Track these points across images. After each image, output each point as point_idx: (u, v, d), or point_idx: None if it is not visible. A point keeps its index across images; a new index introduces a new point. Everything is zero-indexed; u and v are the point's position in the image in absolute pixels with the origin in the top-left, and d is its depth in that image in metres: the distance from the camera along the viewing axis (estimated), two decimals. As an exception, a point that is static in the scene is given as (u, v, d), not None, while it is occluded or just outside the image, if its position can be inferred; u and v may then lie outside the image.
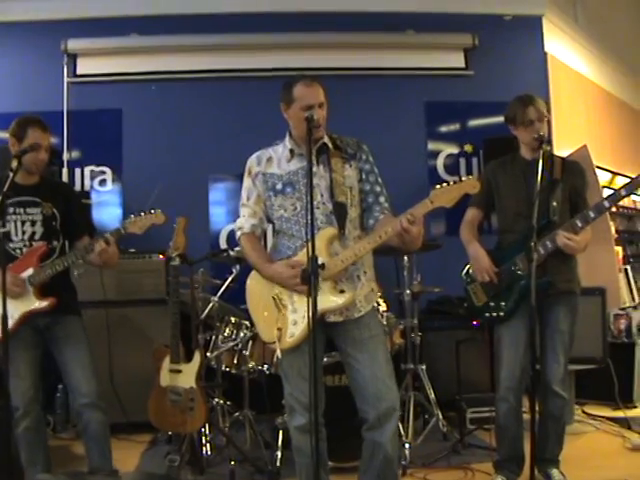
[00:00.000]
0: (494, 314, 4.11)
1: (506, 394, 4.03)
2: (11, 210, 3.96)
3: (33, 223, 4.03)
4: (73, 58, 6.83)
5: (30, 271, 3.94)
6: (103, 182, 6.78)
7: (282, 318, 3.35)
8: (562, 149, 6.56)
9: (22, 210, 4.01)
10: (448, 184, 3.19)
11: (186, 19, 6.83)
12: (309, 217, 2.99)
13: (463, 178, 3.22)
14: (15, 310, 3.86)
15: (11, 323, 3.78)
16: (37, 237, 4.04)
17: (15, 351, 3.82)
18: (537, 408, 3.76)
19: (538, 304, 3.58)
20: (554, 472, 4.08)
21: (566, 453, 4.18)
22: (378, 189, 3.48)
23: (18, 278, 3.88)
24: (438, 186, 3.19)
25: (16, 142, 3.97)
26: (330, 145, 3.45)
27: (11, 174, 3.49)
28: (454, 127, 7.14)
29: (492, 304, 4.12)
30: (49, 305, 3.93)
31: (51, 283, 3.97)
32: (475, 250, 4.19)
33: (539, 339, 3.99)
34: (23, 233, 4.01)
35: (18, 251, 3.99)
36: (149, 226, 3.97)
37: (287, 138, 3.52)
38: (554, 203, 3.88)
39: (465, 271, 4.30)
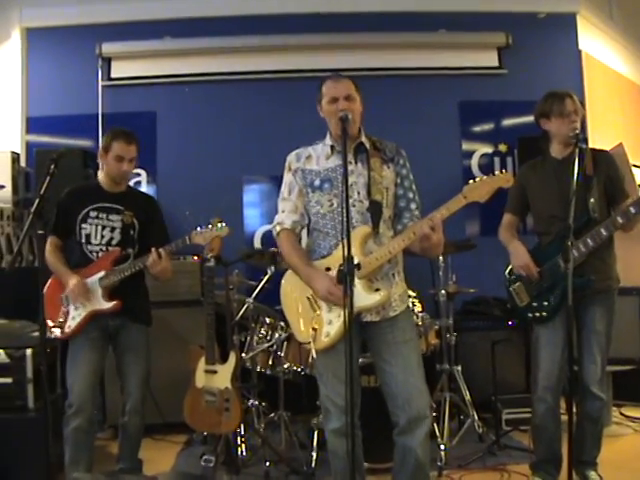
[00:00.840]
0: (537, 314, 4.06)
1: (544, 394, 4.00)
2: (94, 214, 4.24)
3: (112, 229, 4.24)
4: (107, 62, 6.90)
5: (102, 274, 4.16)
6: (138, 184, 6.79)
7: (317, 318, 3.35)
8: (598, 147, 6.48)
9: (104, 216, 4.25)
10: (481, 179, 3.19)
11: (219, 21, 6.85)
12: (344, 216, 2.96)
13: (496, 172, 3.22)
14: (83, 309, 4.16)
15: (79, 320, 4.14)
16: (114, 243, 4.25)
17: (81, 349, 4.16)
18: (575, 409, 3.72)
19: (575, 304, 3.53)
20: (592, 474, 4.04)
21: (603, 455, 4.12)
22: (411, 195, 3.48)
23: (82, 284, 4.14)
24: (471, 181, 3.19)
25: (104, 154, 4.25)
26: (368, 146, 3.45)
27: (48, 177, 3.55)
28: (488, 126, 7.08)
29: (535, 304, 4.07)
30: (113, 307, 4.16)
31: (122, 288, 4.18)
32: (515, 247, 4.17)
33: (576, 340, 3.96)
34: (102, 237, 4.24)
35: (95, 254, 4.24)
36: (213, 238, 4.10)
37: (327, 136, 3.53)
38: (592, 200, 3.83)
39: (507, 272, 4.26)
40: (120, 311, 4.18)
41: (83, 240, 4.23)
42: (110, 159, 4.22)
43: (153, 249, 4.07)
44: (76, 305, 4.16)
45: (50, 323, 4.18)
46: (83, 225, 4.22)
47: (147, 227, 4.34)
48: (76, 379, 4.09)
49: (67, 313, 4.19)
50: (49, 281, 4.31)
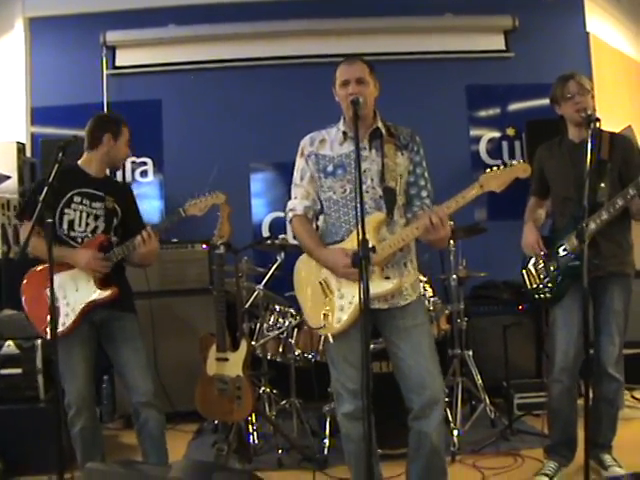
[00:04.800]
0: (541, 296, 4.09)
1: (560, 375, 3.97)
2: (78, 199, 4.00)
3: (97, 217, 4.03)
4: (112, 50, 6.87)
5: None
6: (144, 173, 6.82)
7: (329, 303, 3.34)
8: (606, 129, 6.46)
9: (88, 202, 4.02)
10: (498, 168, 3.16)
11: (223, 8, 6.82)
12: (358, 200, 2.91)
13: (514, 162, 3.20)
14: (77, 302, 3.88)
15: (73, 316, 3.85)
16: (99, 232, 4.04)
17: (72, 347, 3.87)
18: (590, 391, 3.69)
19: (590, 286, 3.49)
20: (606, 457, 4.04)
21: (616, 438, 4.11)
22: (422, 183, 3.44)
23: (97, 255, 3.90)
24: (488, 170, 3.17)
25: (112, 139, 4.11)
26: (384, 131, 3.41)
27: (56, 165, 3.46)
28: (496, 110, 7.04)
29: (541, 286, 4.07)
30: (111, 294, 3.92)
31: (110, 277, 3.97)
32: (526, 228, 4.19)
33: (593, 321, 3.94)
34: (87, 225, 4.01)
35: (79, 240, 3.99)
36: (210, 207, 4.01)
37: (341, 121, 3.49)
38: (602, 185, 3.80)
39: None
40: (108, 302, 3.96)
41: (65, 226, 3.96)
42: (121, 144, 4.15)
43: (144, 229, 3.91)
44: (67, 300, 3.85)
45: (34, 322, 3.94)
46: (66, 210, 3.96)
47: (126, 214, 4.18)
48: (73, 379, 3.88)
49: (57, 310, 3.72)
50: (26, 279, 4.03)
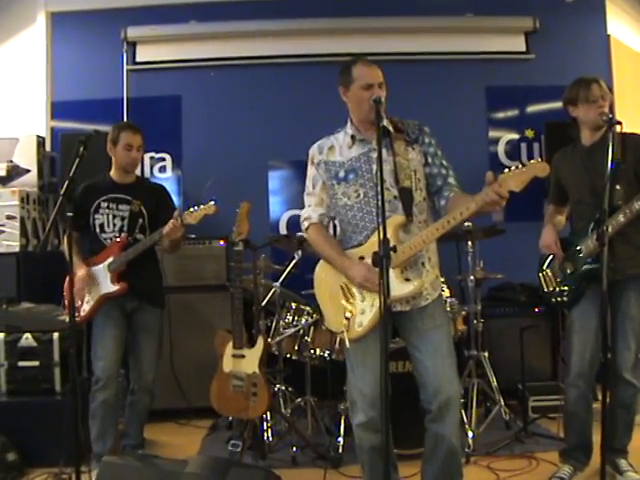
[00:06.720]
0: (558, 299, 4.09)
1: (576, 380, 3.96)
2: (105, 205, 4.48)
3: (122, 218, 4.48)
4: (133, 46, 6.89)
5: (110, 259, 4.40)
6: (163, 169, 6.83)
7: (351, 307, 3.32)
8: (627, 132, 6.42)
9: (115, 206, 4.48)
10: (517, 168, 3.13)
11: (244, 5, 6.81)
12: (379, 203, 2.91)
13: (532, 161, 3.14)
14: (94, 294, 4.41)
15: (91, 304, 4.42)
16: (125, 230, 4.48)
17: (105, 327, 4.40)
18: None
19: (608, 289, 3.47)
20: (622, 462, 4.01)
21: (632, 444, 4.08)
22: (444, 171, 3.37)
23: (85, 276, 4.36)
24: (506, 170, 3.12)
25: (112, 147, 4.50)
26: (391, 128, 3.37)
27: (77, 159, 3.61)
28: (515, 112, 7.02)
29: (558, 289, 4.07)
30: (119, 290, 4.38)
31: (136, 272, 4.43)
32: (545, 230, 4.18)
33: (610, 325, 3.92)
34: (114, 225, 4.47)
35: (109, 241, 4.47)
36: (203, 217, 4.22)
37: (348, 124, 3.45)
38: (617, 187, 3.77)
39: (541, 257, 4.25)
40: (135, 294, 4.44)
41: (97, 229, 4.47)
42: (119, 149, 4.46)
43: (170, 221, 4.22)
44: (89, 290, 4.40)
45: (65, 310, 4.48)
46: (96, 215, 4.46)
47: (157, 214, 4.52)
48: (102, 355, 4.32)
49: (84, 298, 4.43)
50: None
